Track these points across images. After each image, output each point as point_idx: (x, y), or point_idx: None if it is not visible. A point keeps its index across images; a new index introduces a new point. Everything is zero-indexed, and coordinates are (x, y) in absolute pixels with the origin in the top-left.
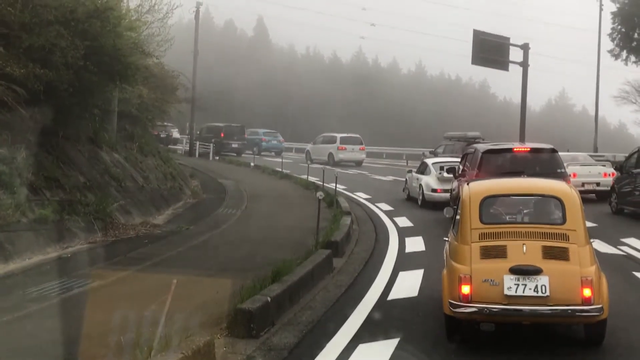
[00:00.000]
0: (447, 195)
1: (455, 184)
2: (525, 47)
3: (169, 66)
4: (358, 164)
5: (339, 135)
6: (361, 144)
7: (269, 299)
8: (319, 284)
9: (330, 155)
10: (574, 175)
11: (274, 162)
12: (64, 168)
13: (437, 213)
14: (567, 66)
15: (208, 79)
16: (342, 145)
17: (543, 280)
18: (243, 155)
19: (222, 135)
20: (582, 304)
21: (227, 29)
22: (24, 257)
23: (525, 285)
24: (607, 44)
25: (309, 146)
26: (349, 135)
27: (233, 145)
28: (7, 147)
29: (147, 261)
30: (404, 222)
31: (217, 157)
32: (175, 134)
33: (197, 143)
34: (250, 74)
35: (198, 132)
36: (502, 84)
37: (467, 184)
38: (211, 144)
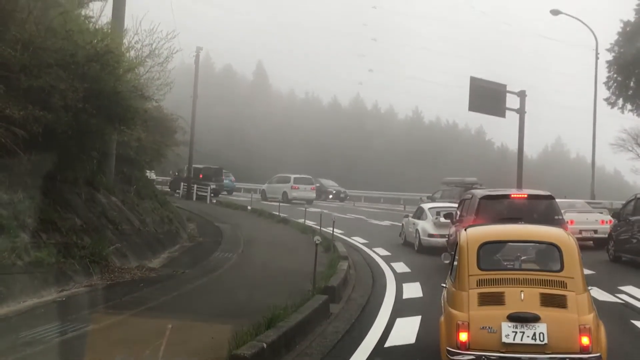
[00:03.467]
0: (444, 240)
1: (452, 229)
2: (521, 95)
3: (168, 109)
4: (309, 202)
5: (292, 176)
6: (312, 184)
7: (264, 345)
8: (316, 330)
9: (285, 193)
10: (572, 222)
11: (271, 205)
12: (60, 211)
13: (434, 258)
14: (563, 113)
15: (207, 122)
16: (296, 184)
17: (541, 327)
18: (239, 198)
19: (201, 176)
20: (581, 352)
21: (226, 73)
22: (19, 300)
23: (524, 332)
24: (603, 92)
25: (264, 185)
26: (302, 176)
27: (211, 186)
28: (4, 190)
29: (143, 305)
30: (401, 267)
31: (214, 201)
32: (151, 174)
33: (195, 186)
34: (249, 117)
35: (177, 173)
36: (499, 131)
37: (465, 230)
38: (209, 187)
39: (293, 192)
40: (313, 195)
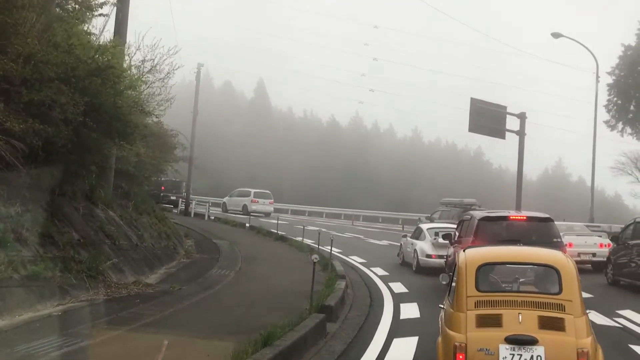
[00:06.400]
0: (442, 261)
1: (451, 250)
2: (522, 116)
3: (168, 125)
4: (267, 215)
5: (252, 190)
6: (271, 198)
7: None
8: (312, 349)
9: (245, 206)
10: (570, 245)
11: (269, 223)
12: (58, 224)
13: (432, 279)
14: (564, 136)
15: (206, 138)
16: (255, 198)
17: (539, 350)
18: (238, 215)
19: (163, 188)
20: None
21: (226, 89)
22: (14, 313)
23: (521, 355)
24: (603, 115)
25: (225, 198)
26: (261, 190)
27: (172, 198)
28: (2, 203)
29: (138, 321)
30: (398, 287)
31: (212, 217)
32: None
33: (193, 202)
34: (249, 134)
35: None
36: (497, 152)
37: (463, 251)
38: (207, 204)
39: (253, 205)
40: (271, 208)
